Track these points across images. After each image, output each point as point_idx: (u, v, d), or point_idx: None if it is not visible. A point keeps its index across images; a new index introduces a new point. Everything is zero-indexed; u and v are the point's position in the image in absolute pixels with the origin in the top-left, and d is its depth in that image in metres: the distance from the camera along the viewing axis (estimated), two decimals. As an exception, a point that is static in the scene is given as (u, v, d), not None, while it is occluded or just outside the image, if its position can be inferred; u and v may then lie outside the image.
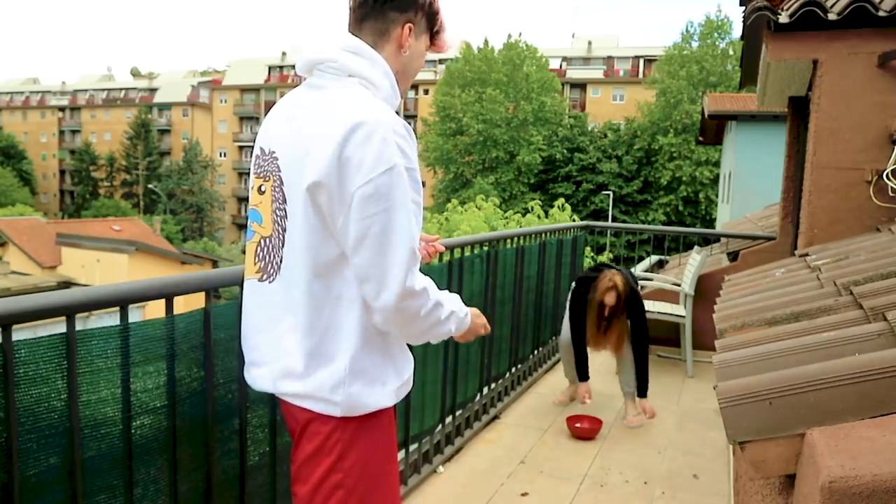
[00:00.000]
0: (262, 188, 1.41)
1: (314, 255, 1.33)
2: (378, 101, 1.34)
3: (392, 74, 1.40)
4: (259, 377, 1.47)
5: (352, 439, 1.41)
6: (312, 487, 1.42)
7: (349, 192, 1.25)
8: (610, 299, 3.82)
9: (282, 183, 1.36)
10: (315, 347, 1.36)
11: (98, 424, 1.43)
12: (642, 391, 3.93)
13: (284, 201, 1.36)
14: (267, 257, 1.41)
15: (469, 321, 1.52)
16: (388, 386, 1.43)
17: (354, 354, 1.36)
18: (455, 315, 1.45)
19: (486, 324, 1.61)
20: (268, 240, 1.41)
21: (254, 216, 1.44)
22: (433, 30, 1.46)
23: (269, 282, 1.41)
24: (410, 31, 1.41)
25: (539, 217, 17.86)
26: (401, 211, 1.27)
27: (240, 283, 1.81)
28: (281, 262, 1.39)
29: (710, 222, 32.12)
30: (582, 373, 3.99)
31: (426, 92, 46.76)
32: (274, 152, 1.39)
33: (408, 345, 1.52)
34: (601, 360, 5.17)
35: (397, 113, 1.40)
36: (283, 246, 1.38)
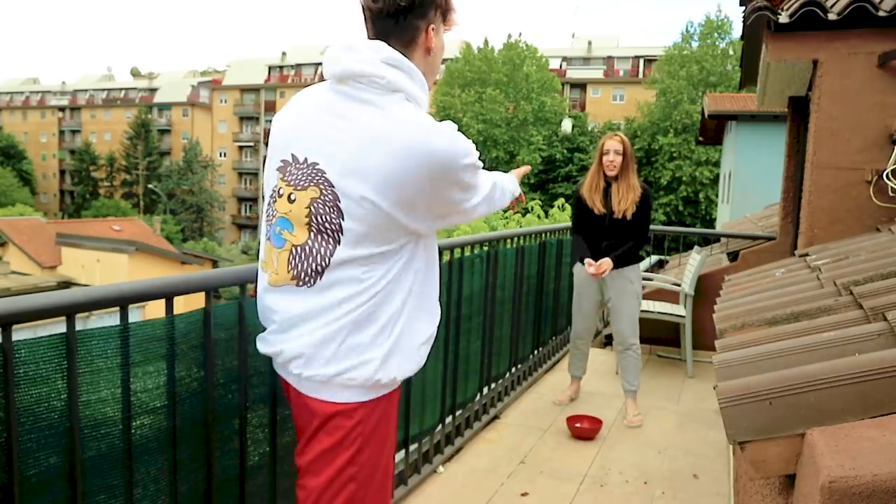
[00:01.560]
0: (293, 197, 1.41)
1: (370, 257, 1.40)
2: (428, 116, 1.42)
3: (426, 84, 1.46)
4: (292, 364, 1.48)
5: (371, 433, 1.48)
6: (327, 480, 1.46)
7: (449, 199, 1.45)
8: (612, 143, 3.79)
9: (336, 198, 1.37)
10: (355, 343, 1.43)
11: (98, 424, 1.43)
12: (618, 259, 3.80)
13: (340, 215, 1.37)
14: (302, 264, 1.42)
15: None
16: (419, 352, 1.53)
17: (392, 348, 1.45)
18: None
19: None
20: (301, 248, 1.41)
21: (283, 224, 1.43)
22: (446, 17, 1.50)
23: (309, 286, 1.42)
24: (434, 31, 1.45)
25: (539, 217, 17.86)
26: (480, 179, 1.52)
27: (240, 283, 1.81)
28: (321, 268, 1.40)
29: (710, 222, 32.08)
30: (581, 252, 3.95)
31: (426, 92, 46.71)
32: (316, 163, 1.39)
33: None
34: (601, 360, 5.17)
35: None
36: (329, 254, 1.39)
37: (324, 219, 1.38)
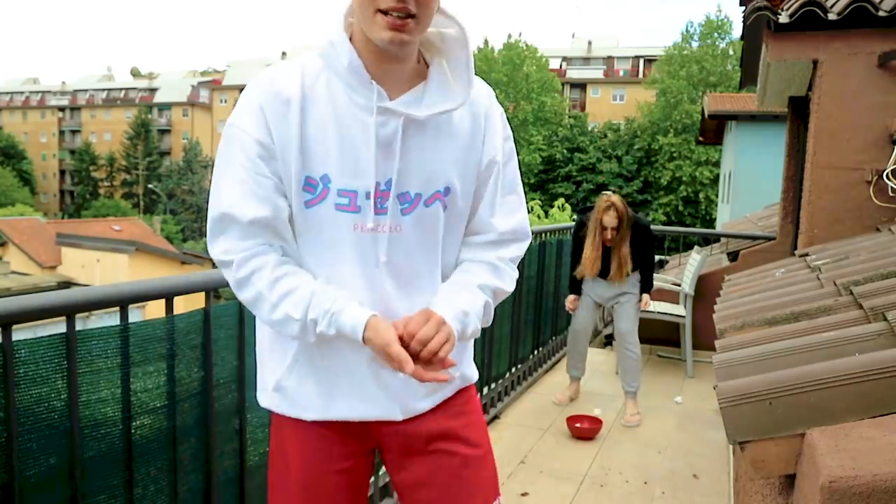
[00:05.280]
0: None
1: None
2: (292, 63, 1.17)
3: (338, 34, 1.14)
4: None
5: (273, 448, 1.32)
6: None
7: None
8: (609, 219, 3.82)
9: None
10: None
11: (98, 424, 1.43)
12: (647, 287, 4.06)
13: None
14: None
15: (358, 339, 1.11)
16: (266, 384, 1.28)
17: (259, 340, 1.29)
18: (292, 320, 1.12)
19: (398, 356, 1.06)
20: None
21: None
22: None
23: None
24: None
25: (539, 217, 17.88)
26: (218, 175, 1.16)
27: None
28: None
29: (710, 222, 32.08)
30: (574, 288, 4.14)
31: (426, 92, 46.69)
32: None
33: None
34: (601, 360, 5.18)
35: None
36: None
37: None
